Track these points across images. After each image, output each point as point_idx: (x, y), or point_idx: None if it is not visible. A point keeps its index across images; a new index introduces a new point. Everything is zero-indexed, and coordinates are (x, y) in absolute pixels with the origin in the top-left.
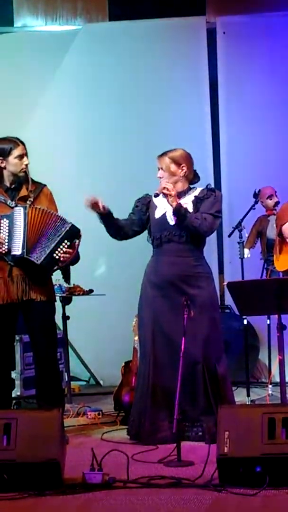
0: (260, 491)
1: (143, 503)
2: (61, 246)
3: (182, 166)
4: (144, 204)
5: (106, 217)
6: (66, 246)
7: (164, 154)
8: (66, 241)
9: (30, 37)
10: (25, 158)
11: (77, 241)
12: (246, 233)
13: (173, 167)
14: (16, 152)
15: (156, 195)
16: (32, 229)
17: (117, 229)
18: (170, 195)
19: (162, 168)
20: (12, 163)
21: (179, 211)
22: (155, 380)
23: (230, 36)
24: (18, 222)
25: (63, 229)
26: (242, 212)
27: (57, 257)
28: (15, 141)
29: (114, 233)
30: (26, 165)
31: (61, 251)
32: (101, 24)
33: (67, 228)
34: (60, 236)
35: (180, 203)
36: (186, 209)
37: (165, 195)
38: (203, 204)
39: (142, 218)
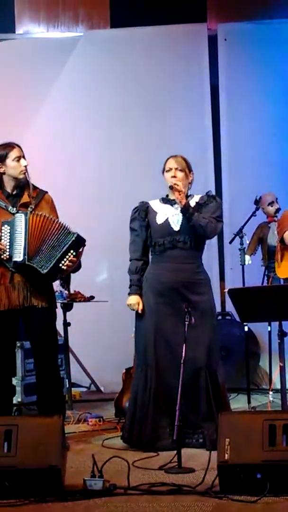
0: (261, 498)
1: (144, 510)
2: (67, 256)
3: (192, 173)
4: (143, 210)
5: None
6: (72, 256)
7: (178, 155)
8: (72, 251)
9: (31, 44)
10: (22, 160)
11: (81, 250)
12: (247, 240)
13: (186, 170)
14: (13, 154)
15: (171, 187)
16: (33, 236)
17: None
18: (181, 191)
19: (177, 169)
20: (11, 166)
21: (187, 209)
22: (157, 387)
23: (231, 43)
24: (19, 229)
25: (68, 239)
26: (243, 219)
27: (63, 267)
28: (10, 145)
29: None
30: (25, 166)
31: (67, 261)
32: (102, 31)
33: (73, 238)
34: (67, 246)
35: (188, 202)
36: (194, 208)
37: (175, 191)
38: (205, 209)
39: (143, 230)
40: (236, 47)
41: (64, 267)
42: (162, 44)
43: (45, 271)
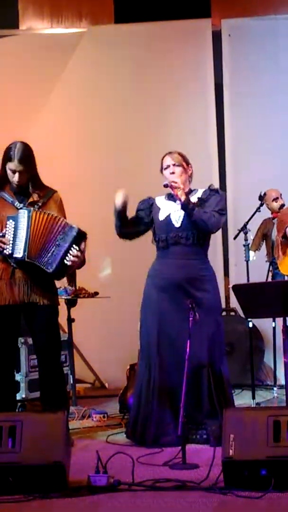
0: (266, 494)
1: (148, 506)
2: (71, 252)
3: (190, 166)
4: (148, 207)
5: (123, 211)
6: (75, 251)
7: (173, 151)
8: (74, 245)
9: (35, 39)
10: (16, 175)
11: (84, 244)
12: (251, 236)
13: (184, 164)
14: (10, 165)
15: (166, 186)
16: (35, 233)
17: (127, 224)
18: (179, 187)
19: (174, 165)
20: (8, 173)
21: (187, 205)
22: (161, 384)
23: (235, 39)
24: (22, 225)
25: (70, 234)
26: (248, 215)
27: (68, 263)
28: (12, 155)
29: (124, 229)
30: (18, 181)
31: (71, 257)
32: (106, 26)
33: (74, 233)
34: (69, 242)
35: (188, 198)
36: (194, 203)
37: (173, 188)
38: (207, 203)
39: (145, 220)
40: (240, 42)
41: (69, 263)
42: (166, 40)
43: (51, 270)
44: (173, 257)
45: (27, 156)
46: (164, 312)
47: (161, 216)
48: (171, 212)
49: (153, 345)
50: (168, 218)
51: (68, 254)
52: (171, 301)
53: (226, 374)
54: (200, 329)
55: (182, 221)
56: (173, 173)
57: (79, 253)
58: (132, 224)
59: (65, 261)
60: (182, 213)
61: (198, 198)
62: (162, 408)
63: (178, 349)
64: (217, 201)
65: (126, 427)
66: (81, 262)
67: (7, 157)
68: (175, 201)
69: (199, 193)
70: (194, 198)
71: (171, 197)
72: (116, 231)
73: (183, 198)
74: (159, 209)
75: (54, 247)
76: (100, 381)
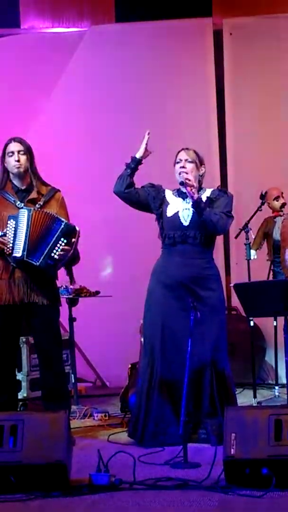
0: (267, 493)
1: (150, 505)
2: (58, 245)
3: (203, 166)
4: (160, 198)
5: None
6: (63, 245)
7: (190, 148)
8: (62, 239)
9: (36, 39)
10: (15, 154)
11: (74, 239)
12: (252, 235)
13: (197, 162)
14: (9, 148)
15: (182, 183)
16: (34, 232)
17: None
18: (192, 185)
19: (187, 160)
20: (8, 161)
21: (199, 204)
22: (162, 381)
23: (236, 38)
24: (22, 224)
25: (57, 227)
26: (249, 214)
27: (55, 256)
28: (11, 139)
29: (127, 186)
30: (18, 161)
31: (58, 250)
32: (107, 26)
33: (62, 226)
34: (56, 235)
35: (200, 197)
36: (205, 202)
37: (187, 186)
38: (216, 204)
39: (153, 208)
40: (241, 41)
41: (56, 256)
42: (167, 39)
43: (37, 262)
44: (180, 256)
45: (25, 142)
46: (168, 309)
47: (169, 212)
48: (179, 209)
49: (157, 340)
50: (176, 215)
51: (56, 247)
52: (176, 299)
53: (230, 373)
54: (204, 328)
55: (190, 220)
56: (183, 167)
57: (67, 247)
58: (138, 191)
59: (52, 254)
60: (191, 211)
61: (207, 197)
62: (162, 404)
63: (181, 348)
64: (226, 203)
65: (128, 426)
66: (73, 257)
67: (6, 145)
68: (183, 198)
69: (207, 193)
70: (203, 197)
71: (180, 194)
72: (118, 185)
73: (196, 196)
74: (168, 203)
75: (44, 241)
76: (101, 380)
